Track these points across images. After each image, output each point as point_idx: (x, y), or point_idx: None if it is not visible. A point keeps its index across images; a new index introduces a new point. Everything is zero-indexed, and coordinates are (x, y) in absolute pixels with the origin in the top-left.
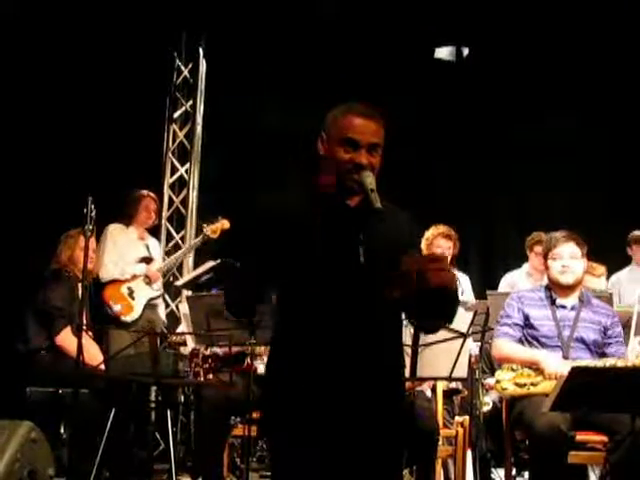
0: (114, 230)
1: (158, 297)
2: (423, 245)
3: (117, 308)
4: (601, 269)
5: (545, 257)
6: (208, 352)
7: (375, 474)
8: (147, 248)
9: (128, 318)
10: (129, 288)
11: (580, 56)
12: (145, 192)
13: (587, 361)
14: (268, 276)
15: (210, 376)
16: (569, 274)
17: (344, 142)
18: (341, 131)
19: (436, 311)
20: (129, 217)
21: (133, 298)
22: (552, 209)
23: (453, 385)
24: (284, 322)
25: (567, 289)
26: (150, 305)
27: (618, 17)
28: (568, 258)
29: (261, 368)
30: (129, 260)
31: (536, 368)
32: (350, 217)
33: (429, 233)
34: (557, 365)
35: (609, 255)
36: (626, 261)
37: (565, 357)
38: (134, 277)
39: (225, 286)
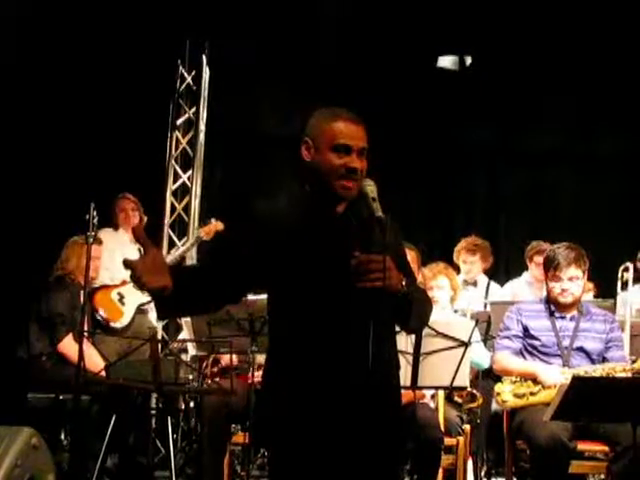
0: (103, 235)
1: (149, 302)
2: (455, 257)
3: (104, 314)
4: (588, 285)
5: (545, 270)
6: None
7: None
8: (140, 252)
9: (117, 324)
10: (119, 293)
11: (583, 64)
12: (121, 194)
13: (586, 367)
14: (244, 279)
15: (218, 379)
16: (569, 296)
17: (336, 148)
18: (332, 137)
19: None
20: (113, 222)
21: (123, 304)
22: (556, 218)
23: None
24: (278, 332)
25: (566, 306)
26: (140, 310)
27: (623, 24)
28: (568, 281)
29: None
30: (119, 264)
31: (535, 380)
32: (338, 224)
33: (460, 246)
34: (555, 377)
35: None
36: None
37: (565, 366)
38: (124, 282)
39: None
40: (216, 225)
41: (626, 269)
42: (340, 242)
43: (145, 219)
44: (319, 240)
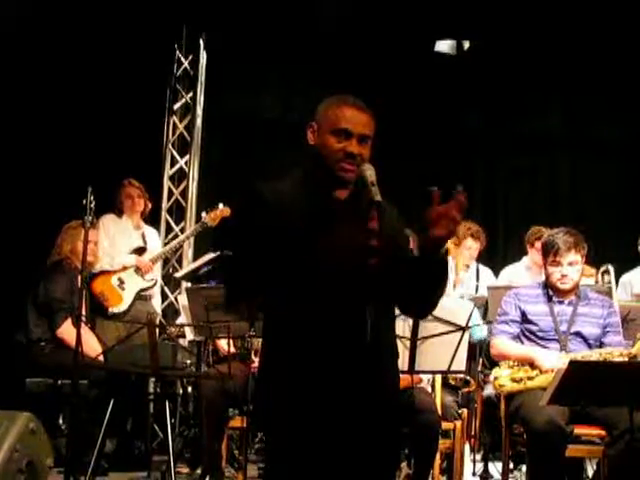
0: (106, 220)
1: (150, 288)
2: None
3: (104, 299)
4: (590, 270)
5: (544, 256)
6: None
7: (370, 469)
8: (143, 237)
9: (116, 309)
10: (119, 279)
11: (581, 51)
12: (127, 181)
13: (583, 352)
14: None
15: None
16: (569, 281)
17: (336, 132)
18: (333, 121)
19: (427, 278)
20: (118, 208)
21: (123, 289)
22: (555, 203)
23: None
24: (275, 316)
25: (564, 291)
26: (141, 297)
27: (622, 9)
28: (568, 266)
29: None
30: (121, 250)
31: (532, 364)
32: (340, 210)
33: (459, 232)
34: (553, 361)
35: (615, 252)
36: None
37: (562, 350)
38: (125, 268)
39: (226, 276)
40: (223, 211)
41: (606, 271)
42: (341, 228)
43: (150, 206)
44: (319, 224)
